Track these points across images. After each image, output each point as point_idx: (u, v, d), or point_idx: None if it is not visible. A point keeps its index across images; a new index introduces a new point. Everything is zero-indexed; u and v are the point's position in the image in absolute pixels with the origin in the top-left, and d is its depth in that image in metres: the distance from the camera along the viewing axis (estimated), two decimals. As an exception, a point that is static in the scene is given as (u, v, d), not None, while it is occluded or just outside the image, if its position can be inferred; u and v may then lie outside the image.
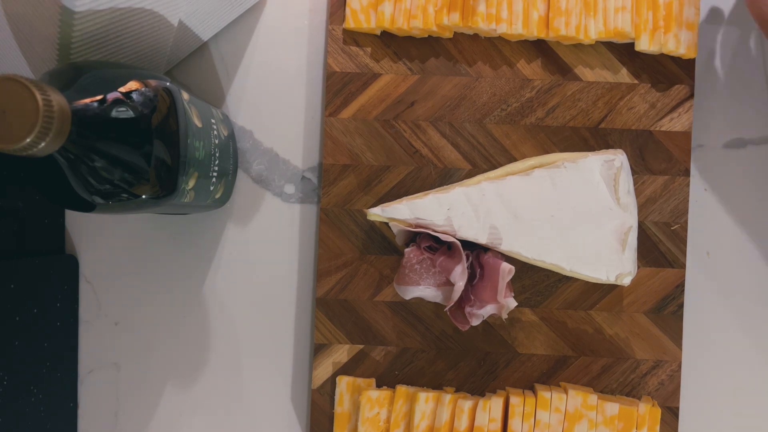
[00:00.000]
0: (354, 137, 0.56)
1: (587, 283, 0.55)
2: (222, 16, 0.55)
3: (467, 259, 0.51)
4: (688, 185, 0.55)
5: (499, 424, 0.52)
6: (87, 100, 0.38)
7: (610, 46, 0.55)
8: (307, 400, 0.58)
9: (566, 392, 0.52)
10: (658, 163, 0.55)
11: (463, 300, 0.52)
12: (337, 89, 0.56)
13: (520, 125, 0.55)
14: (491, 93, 0.55)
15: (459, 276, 0.50)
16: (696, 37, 0.53)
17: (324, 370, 0.56)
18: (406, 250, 0.52)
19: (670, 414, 0.55)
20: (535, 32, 0.54)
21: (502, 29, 0.53)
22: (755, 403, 0.57)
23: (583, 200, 0.52)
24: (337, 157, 0.56)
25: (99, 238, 0.58)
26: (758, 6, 0.49)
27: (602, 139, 0.55)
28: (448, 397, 0.52)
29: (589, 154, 0.53)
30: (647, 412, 0.52)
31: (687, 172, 0.55)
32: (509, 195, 0.51)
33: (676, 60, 0.55)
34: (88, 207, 0.41)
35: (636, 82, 0.55)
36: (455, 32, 0.55)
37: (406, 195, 0.55)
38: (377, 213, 0.52)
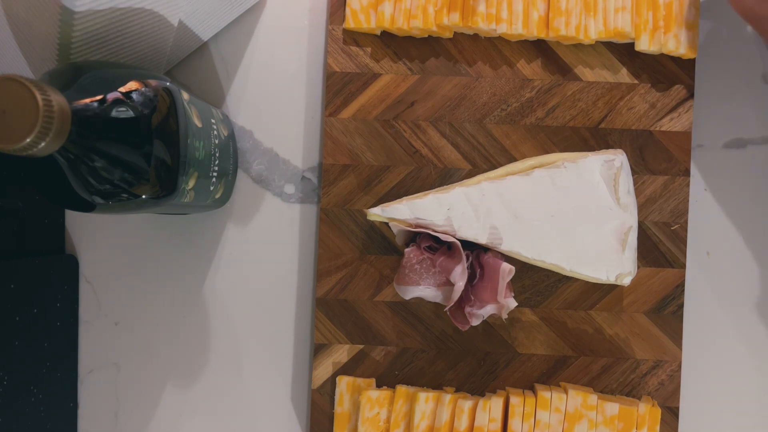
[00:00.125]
0: (354, 137, 0.56)
1: (587, 283, 0.55)
2: (222, 16, 0.55)
3: (467, 259, 0.51)
4: (688, 185, 0.55)
5: (499, 424, 0.52)
6: (87, 100, 0.38)
7: (610, 46, 0.55)
8: (307, 400, 0.58)
9: (566, 392, 0.52)
10: (658, 163, 0.55)
11: (463, 300, 0.52)
12: (337, 89, 0.56)
13: (520, 125, 0.55)
14: (491, 93, 0.55)
15: (459, 276, 0.50)
16: (696, 37, 0.53)
17: (324, 370, 0.56)
18: (406, 250, 0.52)
19: (670, 414, 0.55)
20: (535, 32, 0.54)
21: (502, 29, 0.53)
22: (755, 403, 0.57)
23: (583, 200, 0.52)
24: (337, 157, 0.56)
25: (99, 238, 0.58)
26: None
27: (602, 139, 0.55)
28: (448, 397, 0.52)
29: (589, 154, 0.53)
30: (647, 412, 0.52)
31: (687, 172, 0.55)
32: (509, 195, 0.51)
33: (676, 60, 0.55)
34: (88, 207, 0.41)
35: (636, 82, 0.55)
36: (455, 32, 0.55)
37: (406, 195, 0.55)
38: (377, 213, 0.52)
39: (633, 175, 0.55)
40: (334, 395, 0.55)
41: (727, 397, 0.57)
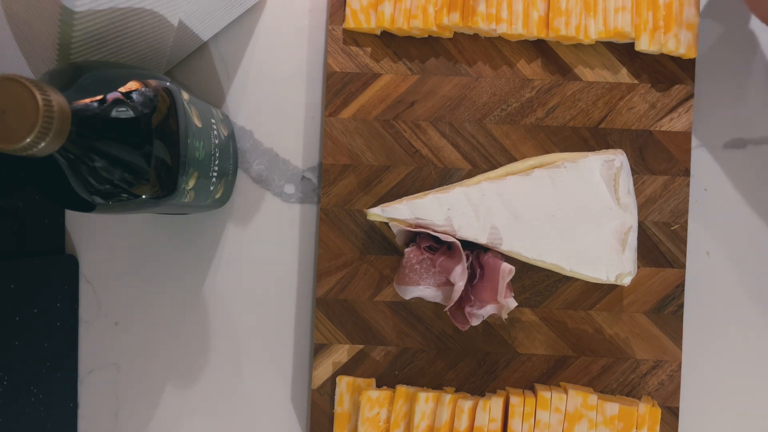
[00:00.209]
0: (354, 137, 0.56)
1: (587, 283, 0.55)
2: (222, 16, 0.55)
3: (467, 259, 0.51)
4: (688, 185, 0.55)
5: (499, 424, 0.52)
6: (87, 100, 0.38)
7: (610, 46, 0.55)
8: (307, 400, 0.58)
9: (566, 392, 0.52)
10: (658, 163, 0.55)
11: (463, 300, 0.52)
12: (337, 89, 0.56)
13: (520, 125, 0.55)
14: (491, 93, 0.55)
15: (459, 276, 0.50)
16: (696, 37, 0.53)
17: (324, 370, 0.56)
18: (406, 250, 0.52)
19: (670, 414, 0.55)
20: (535, 32, 0.54)
21: (502, 29, 0.53)
22: (755, 403, 0.57)
23: (583, 200, 0.52)
24: (337, 157, 0.56)
25: (99, 238, 0.58)
26: (759, 5, 0.49)
27: (602, 139, 0.55)
28: (448, 397, 0.52)
29: (589, 154, 0.53)
30: (647, 412, 0.52)
31: (687, 172, 0.55)
32: (509, 195, 0.51)
33: (676, 60, 0.55)
34: (88, 207, 0.41)
35: (636, 82, 0.55)
36: (455, 32, 0.55)
37: (406, 195, 0.55)
38: (377, 213, 0.52)
39: (633, 175, 0.55)
40: (334, 395, 0.55)
41: (727, 397, 0.57)
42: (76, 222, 0.58)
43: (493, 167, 0.55)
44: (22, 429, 0.52)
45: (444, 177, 0.56)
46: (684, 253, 0.55)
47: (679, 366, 0.55)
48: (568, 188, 0.52)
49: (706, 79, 0.57)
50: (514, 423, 0.52)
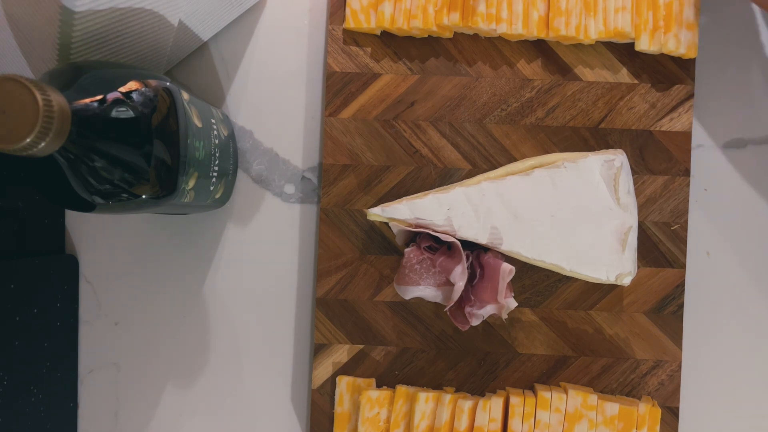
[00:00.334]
0: (354, 137, 0.56)
1: (587, 283, 0.55)
2: (222, 16, 0.55)
3: (467, 259, 0.51)
4: (688, 185, 0.55)
5: (499, 424, 0.52)
6: (87, 100, 0.38)
7: (610, 46, 0.55)
8: (307, 400, 0.58)
9: (566, 392, 0.52)
10: (658, 163, 0.55)
11: (463, 300, 0.52)
12: (337, 89, 0.56)
13: (520, 125, 0.55)
14: (491, 93, 0.55)
15: (459, 276, 0.50)
16: (696, 37, 0.53)
17: (324, 370, 0.56)
18: (406, 250, 0.52)
19: (670, 414, 0.55)
20: (535, 32, 0.54)
21: (502, 29, 0.53)
22: (755, 403, 0.57)
23: (583, 200, 0.52)
24: (337, 157, 0.56)
25: (99, 238, 0.58)
26: None
27: (602, 139, 0.55)
28: (448, 397, 0.52)
29: (589, 154, 0.53)
30: (647, 412, 0.52)
31: (687, 172, 0.55)
32: (509, 195, 0.51)
33: (676, 60, 0.55)
34: (88, 207, 0.41)
35: (636, 82, 0.55)
36: (455, 32, 0.55)
37: (406, 195, 0.55)
38: (377, 213, 0.52)
39: (633, 175, 0.55)
40: (334, 395, 0.55)
41: (727, 397, 0.57)
42: (76, 222, 0.58)
43: (493, 167, 0.55)
44: (22, 429, 0.52)
45: (444, 177, 0.56)
46: (684, 253, 0.55)
47: (679, 366, 0.55)
48: (568, 188, 0.52)
49: (706, 79, 0.57)
50: (514, 423, 0.52)
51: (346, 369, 0.56)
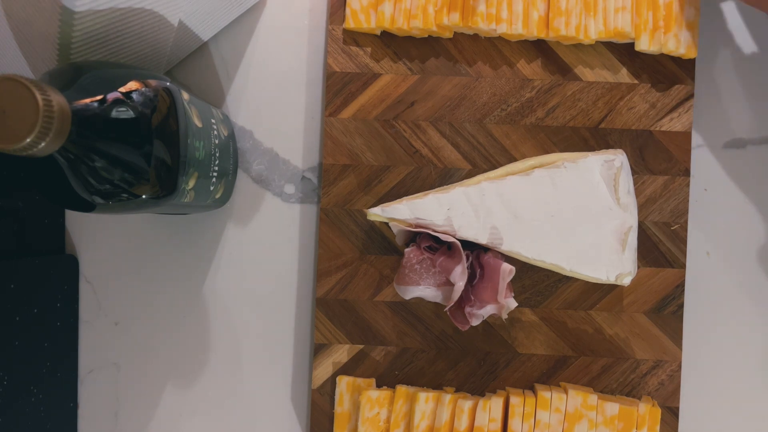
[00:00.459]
0: (354, 137, 0.56)
1: (587, 283, 0.55)
2: (222, 16, 0.55)
3: (467, 259, 0.51)
4: (688, 185, 0.55)
5: (499, 424, 0.52)
6: (87, 100, 0.38)
7: (610, 46, 0.55)
8: (307, 400, 0.58)
9: (566, 392, 0.52)
10: (658, 163, 0.55)
11: (463, 300, 0.52)
12: (337, 89, 0.56)
13: (520, 125, 0.55)
14: (491, 93, 0.55)
15: (459, 276, 0.50)
16: (696, 37, 0.53)
17: (324, 370, 0.56)
18: (406, 250, 0.52)
19: (670, 414, 0.55)
20: (535, 32, 0.54)
21: (502, 29, 0.53)
22: (755, 403, 0.57)
23: (583, 200, 0.52)
24: (337, 157, 0.56)
25: (99, 238, 0.58)
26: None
27: (602, 139, 0.55)
28: (448, 397, 0.52)
29: (589, 154, 0.53)
30: (647, 412, 0.52)
31: (687, 172, 0.55)
32: (509, 195, 0.51)
33: (676, 60, 0.55)
34: (88, 207, 0.41)
35: (636, 82, 0.55)
36: (455, 32, 0.55)
37: (406, 195, 0.55)
38: (377, 213, 0.52)
39: (633, 175, 0.55)
40: (334, 395, 0.55)
41: (727, 397, 0.57)
42: (76, 222, 0.58)
43: (493, 167, 0.55)
44: (22, 429, 0.52)
45: (444, 177, 0.56)
46: (684, 253, 0.55)
47: (679, 366, 0.55)
48: (568, 188, 0.52)
49: (706, 79, 0.57)
50: (514, 423, 0.52)
51: (346, 369, 0.56)
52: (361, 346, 0.56)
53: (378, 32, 0.56)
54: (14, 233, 0.53)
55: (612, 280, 0.52)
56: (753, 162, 0.57)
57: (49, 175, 0.39)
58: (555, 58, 0.55)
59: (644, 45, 0.53)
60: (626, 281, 0.52)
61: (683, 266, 0.55)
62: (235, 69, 0.58)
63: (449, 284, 0.52)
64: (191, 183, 0.45)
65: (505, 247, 0.51)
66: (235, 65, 0.58)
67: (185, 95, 0.45)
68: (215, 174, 0.50)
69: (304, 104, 0.58)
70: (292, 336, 0.58)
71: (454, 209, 0.51)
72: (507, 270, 0.50)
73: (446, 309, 0.51)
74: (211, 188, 0.51)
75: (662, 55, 0.55)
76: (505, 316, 0.51)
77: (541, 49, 0.55)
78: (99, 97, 0.38)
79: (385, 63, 0.56)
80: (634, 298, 0.55)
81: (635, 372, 0.55)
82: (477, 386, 0.56)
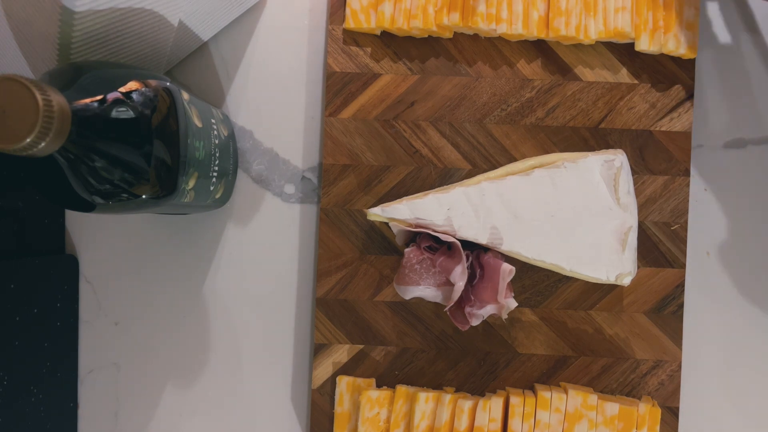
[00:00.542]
0: (354, 137, 0.56)
1: (587, 283, 0.55)
2: (222, 16, 0.55)
3: (467, 259, 0.51)
4: (688, 185, 0.55)
5: (499, 424, 0.52)
6: (87, 100, 0.38)
7: (610, 46, 0.55)
8: (307, 400, 0.58)
9: (566, 392, 0.52)
10: (658, 163, 0.55)
11: (463, 300, 0.52)
12: (337, 89, 0.56)
13: (520, 125, 0.55)
14: (491, 93, 0.55)
15: (459, 276, 0.50)
16: (696, 37, 0.53)
17: (324, 370, 0.56)
18: (406, 250, 0.52)
19: (670, 414, 0.55)
20: (535, 32, 0.54)
21: (502, 29, 0.53)
22: (755, 403, 0.57)
23: (583, 200, 0.52)
24: (337, 157, 0.56)
25: (99, 238, 0.58)
26: None
27: (602, 139, 0.55)
28: (448, 397, 0.52)
29: (589, 154, 0.53)
30: (647, 412, 0.52)
31: (687, 172, 0.55)
32: (509, 195, 0.51)
33: (676, 60, 0.55)
34: (88, 207, 0.41)
35: (636, 82, 0.55)
36: (455, 32, 0.55)
37: (406, 195, 0.55)
38: (377, 213, 0.52)
39: (633, 175, 0.55)
40: (334, 395, 0.55)
41: (727, 397, 0.57)
42: (76, 222, 0.58)
43: (493, 167, 0.55)
44: (22, 429, 0.52)
45: (444, 177, 0.56)
46: (684, 253, 0.55)
47: (679, 366, 0.55)
48: (568, 188, 0.52)
49: (706, 79, 0.57)
50: (514, 423, 0.52)
51: (346, 369, 0.56)
52: (361, 346, 0.56)
53: (378, 32, 0.56)
54: (14, 233, 0.53)
55: (612, 280, 0.52)
56: (753, 162, 0.57)
57: (49, 175, 0.39)
58: (555, 58, 0.55)
59: (644, 45, 0.53)
60: (626, 281, 0.52)
61: (683, 266, 0.55)
62: (235, 69, 0.58)
63: (449, 284, 0.52)
64: (191, 183, 0.45)
65: (505, 247, 0.51)
66: (235, 65, 0.58)
67: (185, 95, 0.45)
68: (215, 174, 0.50)
69: (304, 104, 0.58)
70: (292, 336, 0.58)
71: (454, 209, 0.51)
72: (507, 270, 0.50)
73: (446, 309, 0.51)
74: (211, 188, 0.51)
75: (662, 55, 0.55)
76: (505, 316, 0.51)
77: (541, 49, 0.56)
78: (99, 97, 0.38)
79: (385, 63, 0.56)
80: (634, 298, 0.55)
81: (635, 372, 0.55)
82: (477, 386, 0.56)
